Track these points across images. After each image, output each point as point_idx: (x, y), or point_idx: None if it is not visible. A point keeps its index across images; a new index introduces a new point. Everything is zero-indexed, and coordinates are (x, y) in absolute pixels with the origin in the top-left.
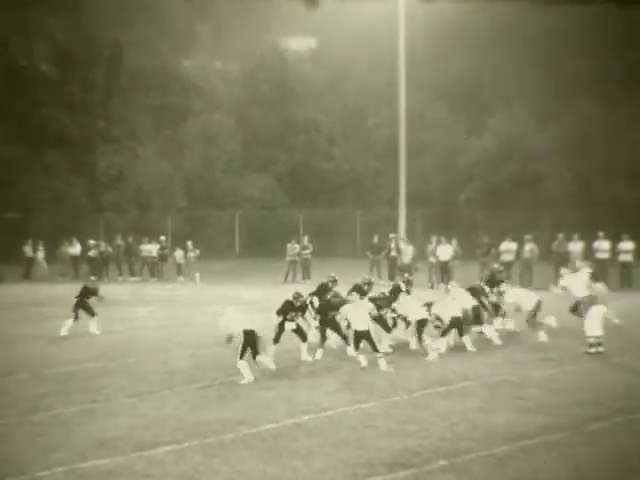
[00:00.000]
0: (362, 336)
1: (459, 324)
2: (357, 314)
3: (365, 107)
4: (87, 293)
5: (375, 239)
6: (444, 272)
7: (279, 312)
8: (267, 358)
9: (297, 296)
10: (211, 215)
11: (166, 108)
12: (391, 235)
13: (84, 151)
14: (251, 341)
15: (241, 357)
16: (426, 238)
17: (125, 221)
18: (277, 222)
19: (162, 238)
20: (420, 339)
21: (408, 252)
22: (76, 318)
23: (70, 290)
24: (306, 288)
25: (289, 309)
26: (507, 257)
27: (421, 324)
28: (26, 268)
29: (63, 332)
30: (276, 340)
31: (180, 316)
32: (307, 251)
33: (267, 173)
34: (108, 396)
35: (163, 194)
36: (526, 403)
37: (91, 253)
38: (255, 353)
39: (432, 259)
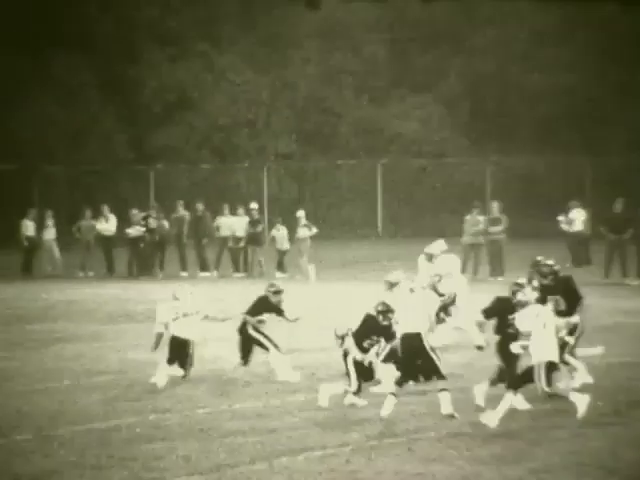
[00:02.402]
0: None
1: None
2: None
3: None
4: None
5: None
6: None
7: (355, 332)
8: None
9: (384, 309)
10: (342, 165)
11: None
12: None
13: (121, 59)
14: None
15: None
16: None
17: (189, 178)
18: (447, 179)
19: (253, 206)
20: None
21: None
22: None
23: (101, 295)
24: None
25: (369, 330)
26: None
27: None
28: (26, 256)
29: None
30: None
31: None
32: (498, 228)
33: (428, 95)
34: None
35: (256, 132)
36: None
37: (134, 231)
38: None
39: None
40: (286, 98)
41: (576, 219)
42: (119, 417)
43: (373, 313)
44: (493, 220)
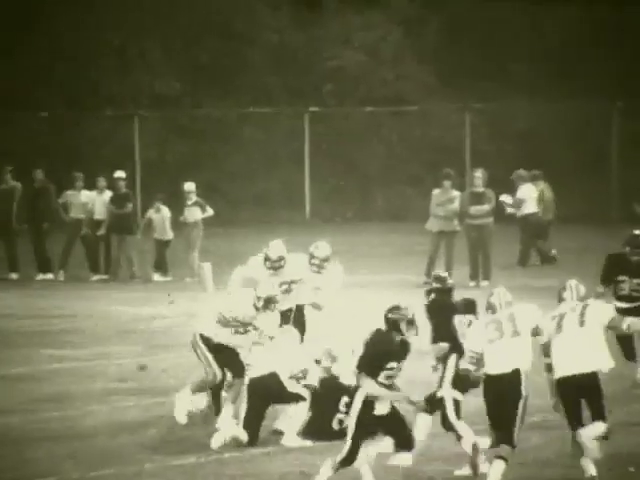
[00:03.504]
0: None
1: None
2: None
3: None
4: None
5: None
6: None
7: (361, 364)
8: None
9: (398, 317)
10: (252, 115)
11: None
12: None
13: None
14: None
15: None
16: None
17: (21, 132)
18: (406, 136)
19: (119, 175)
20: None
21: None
22: None
23: None
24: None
25: (386, 353)
26: None
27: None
28: None
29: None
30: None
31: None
32: (483, 208)
33: (378, 11)
34: None
35: (124, 64)
36: None
37: None
38: None
39: None
40: (168, 15)
41: (527, 198)
42: None
43: (382, 328)
44: (475, 196)
